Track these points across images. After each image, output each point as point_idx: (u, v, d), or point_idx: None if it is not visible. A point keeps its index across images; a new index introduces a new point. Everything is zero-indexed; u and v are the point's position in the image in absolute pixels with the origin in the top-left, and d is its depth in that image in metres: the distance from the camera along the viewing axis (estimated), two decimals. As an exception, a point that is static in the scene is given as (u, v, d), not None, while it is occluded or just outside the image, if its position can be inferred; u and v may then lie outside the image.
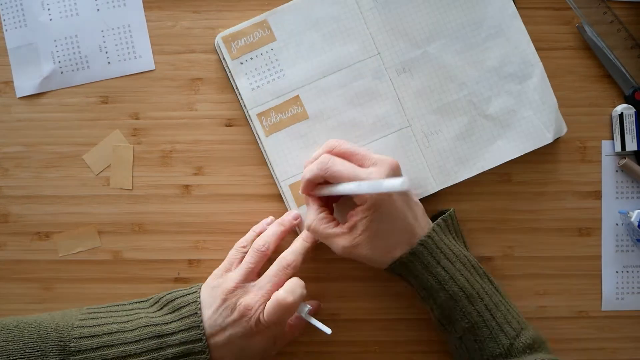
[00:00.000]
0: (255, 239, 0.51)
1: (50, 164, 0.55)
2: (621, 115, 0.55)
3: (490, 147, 0.54)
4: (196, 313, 0.47)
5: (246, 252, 0.51)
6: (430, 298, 0.48)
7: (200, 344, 0.46)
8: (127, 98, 0.55)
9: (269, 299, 0.47)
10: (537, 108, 0.54)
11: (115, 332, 0.46)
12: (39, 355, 0.44)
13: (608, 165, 0.55)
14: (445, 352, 0.55)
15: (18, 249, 0.55)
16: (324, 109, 0.54)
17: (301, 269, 0.50)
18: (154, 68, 0.55)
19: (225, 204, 0.55)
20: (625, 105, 0.55)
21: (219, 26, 0.55)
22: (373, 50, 0.54)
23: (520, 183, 0.55)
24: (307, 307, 0.49)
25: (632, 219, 0.53)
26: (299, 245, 0.51)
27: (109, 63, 0.55)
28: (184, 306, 0.48)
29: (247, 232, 0.53)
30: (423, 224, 0.49)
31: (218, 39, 0.54)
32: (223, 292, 0.48)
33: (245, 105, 0.54)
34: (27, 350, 0.44)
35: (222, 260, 0.52)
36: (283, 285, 0.48)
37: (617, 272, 0.55)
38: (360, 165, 0.48)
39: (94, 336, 0.46)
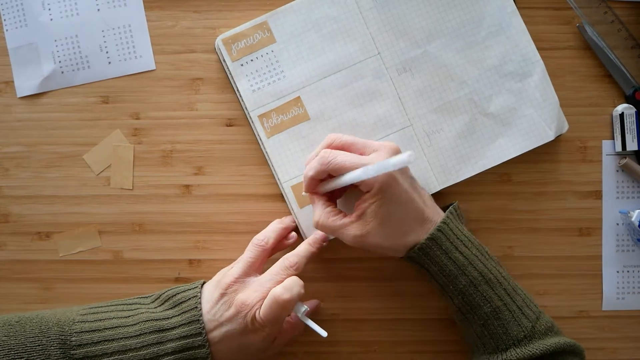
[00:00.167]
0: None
1: (51, 164, 0.55)
2: (622, 115, 0.55)
3: (491, 146, 0.54)
4: (196, 307, 0.47)
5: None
6: (451, 285, 0.48)
7: (200, 337, 0.46)
8: (128, 98, 0.55)
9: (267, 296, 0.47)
10: (538, 106, 0.54)
11: (116, 327, 0.46)
12: (40, 350, 0.44)
13: (608, 165, 0.55)
14: (446, 352, 0.55)
15: (18, 249, 0.55)
16: (325, 109, 0.54)
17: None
18: (154, 68, 0.55)
19: (225, 204, 0.55)
20: (625, 105, 0.55)
21: (219, 26, 0.55)
22: (373, 50, 0.54)
23: (520, 183, 0.55)
24: (304, 307, 0.48)
25: (633, 219, 0.53)
26: (303, 248, 0.50)
27: (109, 63, 0.55)
28: (185, 301, 0.48)
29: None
30: (433, 210, 0.49)
31: (218, 41, 0.54)
32: (222, 287, 0.48)
33: (246, 107, 0.54)
34: (28, 345, 0.44)
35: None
36: None
37: (617, 271, 0.55)
38: (362, 154, 0.48)
39: (95, 330, 0.46)
